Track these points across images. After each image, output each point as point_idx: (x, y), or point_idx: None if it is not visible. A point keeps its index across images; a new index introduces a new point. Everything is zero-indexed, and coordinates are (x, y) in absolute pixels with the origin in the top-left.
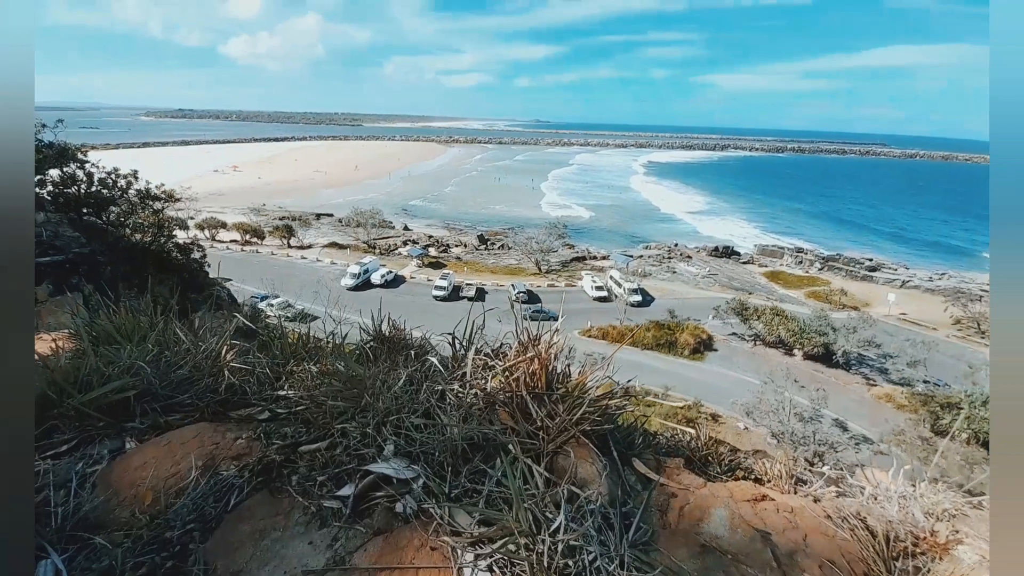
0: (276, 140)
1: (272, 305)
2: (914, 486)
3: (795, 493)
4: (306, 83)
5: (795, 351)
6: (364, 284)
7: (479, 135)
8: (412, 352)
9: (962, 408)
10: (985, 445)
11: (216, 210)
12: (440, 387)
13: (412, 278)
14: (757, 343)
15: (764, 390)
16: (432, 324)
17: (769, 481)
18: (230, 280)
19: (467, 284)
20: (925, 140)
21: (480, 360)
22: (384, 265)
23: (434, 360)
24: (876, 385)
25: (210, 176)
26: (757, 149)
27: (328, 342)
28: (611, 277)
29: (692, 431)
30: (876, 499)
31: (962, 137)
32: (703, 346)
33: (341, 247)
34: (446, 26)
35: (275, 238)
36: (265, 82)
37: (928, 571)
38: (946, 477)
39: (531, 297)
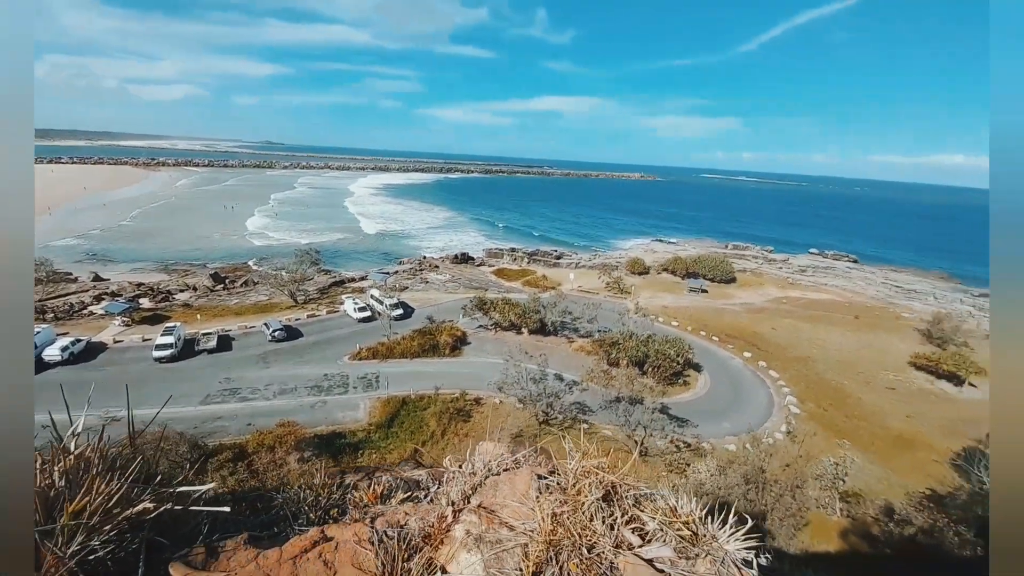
0: None
1: None
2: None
3: (373, 511)
4: None
5: (523, 329)
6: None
7: (196, 157)
8: None
9: (618, 344)
10: (637, 365)
11: None
12: None
13: (117, 342)
14: (497, 330)
15: (507, 367)
16: (148, 398)
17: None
18: None
19: (204, 334)
20: (574, 163)
21: None
22: (65, 334)
23: None
24: (574, 341)
25: None
26: (472, 171)
27: None
28: (372, 296)
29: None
30: (453, 479)
31: (594, 160)
32: (459, 343)
33: None
34: (130, 26)
35: None
36: None
37: (431, 562)
38: (522, 437)
39: (291, 333)
